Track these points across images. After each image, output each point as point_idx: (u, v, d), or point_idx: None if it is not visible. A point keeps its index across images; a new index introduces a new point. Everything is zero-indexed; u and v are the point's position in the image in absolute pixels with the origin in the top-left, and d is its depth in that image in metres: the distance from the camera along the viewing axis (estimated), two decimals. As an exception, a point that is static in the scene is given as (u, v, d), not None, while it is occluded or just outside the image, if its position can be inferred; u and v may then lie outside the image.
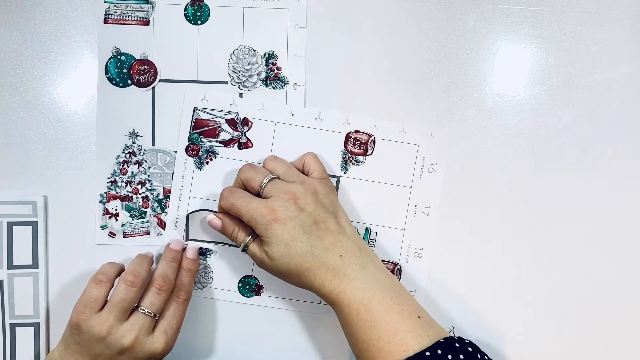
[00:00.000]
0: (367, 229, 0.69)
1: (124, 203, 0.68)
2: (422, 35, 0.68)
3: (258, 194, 0.63)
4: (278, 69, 0.69)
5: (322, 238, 0.61)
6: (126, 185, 0.69)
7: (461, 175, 0.69)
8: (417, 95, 0.69)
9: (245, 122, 0.69)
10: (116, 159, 0.69)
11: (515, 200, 0.69)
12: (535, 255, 0.69)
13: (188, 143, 0.69)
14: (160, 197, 0.69)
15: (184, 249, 0.68)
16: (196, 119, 0.69)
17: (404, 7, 0.68)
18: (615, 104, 0.68)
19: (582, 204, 0.69)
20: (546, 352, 0.69)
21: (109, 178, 0.69)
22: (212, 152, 0.69)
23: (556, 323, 0.69)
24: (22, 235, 0.68)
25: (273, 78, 0.69)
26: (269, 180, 0.63)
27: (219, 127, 0.69)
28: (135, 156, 0.69)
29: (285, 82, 0.69)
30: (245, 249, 0.63)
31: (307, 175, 0.66)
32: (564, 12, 0.68)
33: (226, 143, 0.69)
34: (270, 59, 0.69)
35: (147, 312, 0.62)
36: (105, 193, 0.69)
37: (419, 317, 0.59)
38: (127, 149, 0.68)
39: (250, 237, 0.63)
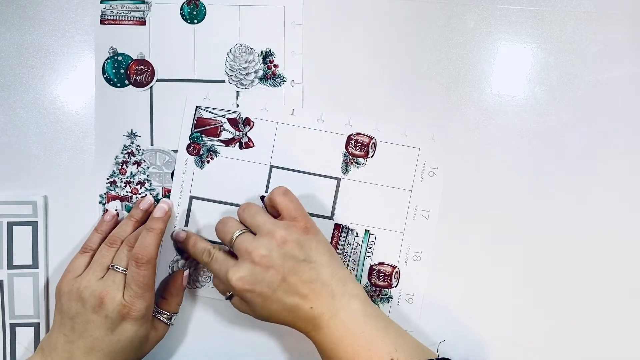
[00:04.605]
0: (366, 231, 0.69)
1: (123, 203, 0.69)
2: (422, 35, 0.68)
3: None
4: (275, 66, 0.68)
5: (291, 294, 0.60)
6: (125, 186, 0.69)
7: (461, 180, 0.68)
8: (417, 95, 0.68)
9: (247, 121, 0.69)
10: (115, 159, 0.69)
11: (515, 204, 0.68)
12: (536, 258, 0.68)
13: (189, 141, 0.69)
14: (160, 196, 0.69)
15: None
16: (198, 117, 0.69)
17: (403, 6, 0.68)
18: (615, 104, 0.68)
19: (583, 206, 0.68)
20: (546, 353, 0.69)
21: (108, 178, 0.69)
22: (213, 151, 0.69)
23: (555, 323, 0.69)
24: (22, 235, 0.68)
25: (270, 76, 0.68)
26: (237, 237, 0.62)
27: (221, 126, 0.69)
28: (134, 156, 0.69)
29: (283, 80, 0.68)
30: (229, 298, 0.64)
31: (277, 217, 0.64)
32: (564, 12, 0.67)
33: (227, 142, 0.69)
34: (267, 56, 0.68)
35: (116, 267, 0.63)
36: (104, 194, 0.69)
37: (391, 359, 0.58)
38: (125, 149, 0.69)
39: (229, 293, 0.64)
